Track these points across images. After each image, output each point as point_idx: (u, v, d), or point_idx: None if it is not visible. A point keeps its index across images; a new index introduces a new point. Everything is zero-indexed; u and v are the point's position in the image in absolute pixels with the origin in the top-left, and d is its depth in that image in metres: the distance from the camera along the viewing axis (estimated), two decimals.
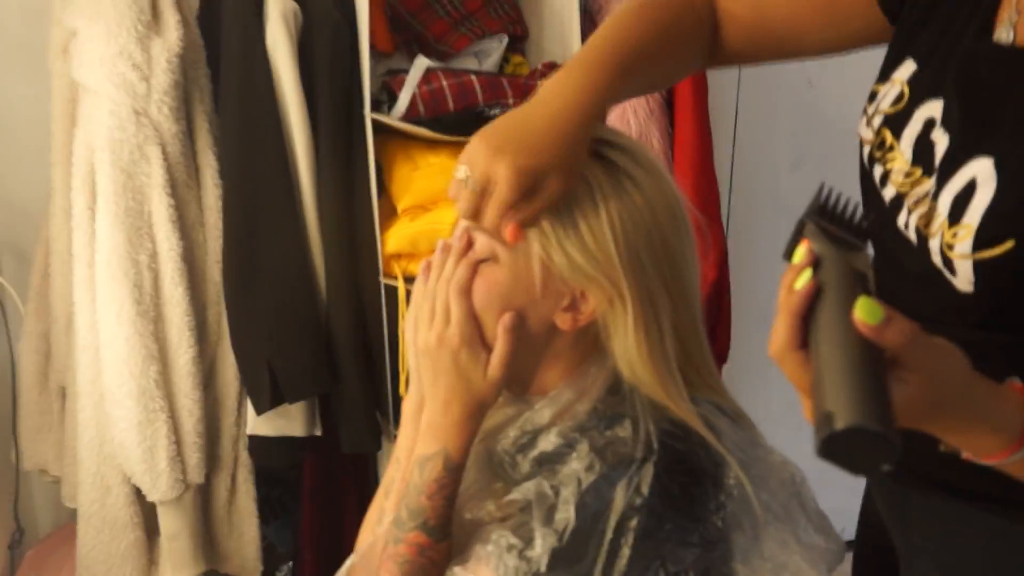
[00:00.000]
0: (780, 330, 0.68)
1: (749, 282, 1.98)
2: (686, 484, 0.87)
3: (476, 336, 0.90)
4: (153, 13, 1.52)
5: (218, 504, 1.71)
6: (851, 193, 0.78)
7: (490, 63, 1.82)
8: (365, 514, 1.86)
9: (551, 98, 0.87)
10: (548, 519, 0.85)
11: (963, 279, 0.81)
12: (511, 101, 1.68)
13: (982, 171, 0.81)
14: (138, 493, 1.61)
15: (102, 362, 1.54)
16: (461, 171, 0.84)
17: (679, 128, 1.77)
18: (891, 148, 0.93)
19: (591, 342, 0.94)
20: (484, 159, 0.82)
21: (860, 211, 0.73)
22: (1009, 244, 0.78)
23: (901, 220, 0.90)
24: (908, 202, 0.89)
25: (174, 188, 1.56)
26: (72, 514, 1.71)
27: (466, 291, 0.90)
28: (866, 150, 0.97)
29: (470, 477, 0.95)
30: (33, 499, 2.05)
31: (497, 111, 1.68)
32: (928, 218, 0.85)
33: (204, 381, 1.63)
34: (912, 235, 0.88)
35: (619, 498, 0.84)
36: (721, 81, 2.07)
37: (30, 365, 1.76)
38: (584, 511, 0.85)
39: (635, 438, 0.88)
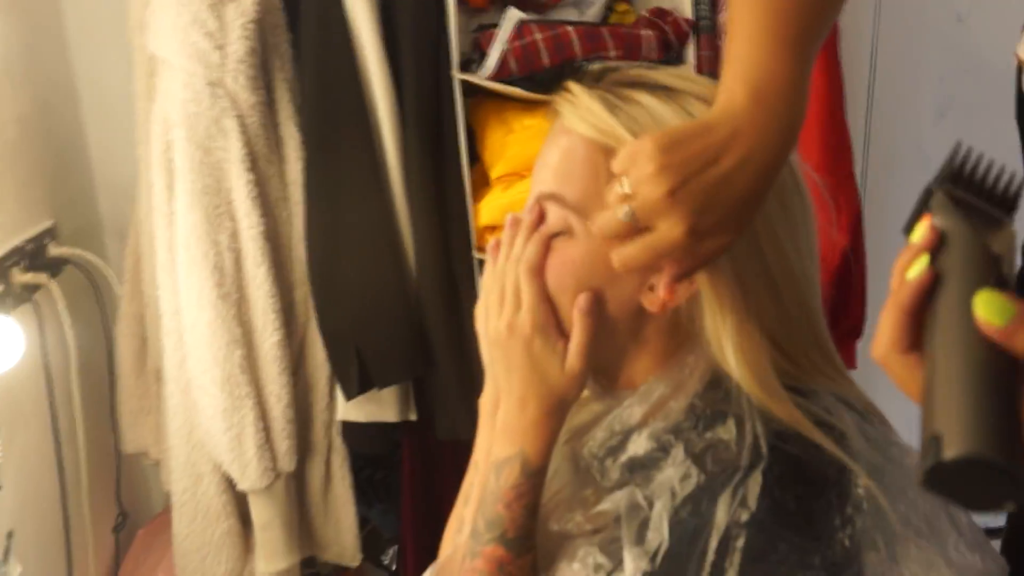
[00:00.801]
0: (886, 327, 0.55)
1: (888, 250, 1.75)
2: (804, 495, 0.73)
3: (551, 322, 0.79)
4: None
5: (313, 491, 1.64)
6: (1005, 150, 0.60)
7: (592, 13, 1.66)
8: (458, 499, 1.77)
9: (753, 155, 0.67)
10: (640, 537, 0.74)
11: None
12: (612, 53, 1.52)
13: None
14: (230, 481, 1.56)
15: (186, 347, 1.49)
16: (623, 188, 0.68)
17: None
18: None
19: (687, 326, 0.81)
20: (657, 199, 0.65)
21: (1007, 175, 0.56)
22: None
23: None
24: None
25: (254, 163, 1.47)
26: None
27: (538, 270, 0.78)
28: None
29: (556, 483, 0.84)
30: (141, 481, 2.05)
31: (597, 64, 1.52)
32: None
33: (293, 365, 1.55)
34: None
35: (721, 513, 0.72)
36: (855, 18, 1.85)
37: (127, 348, 1.73)
38: (680, 528, 0.72)
39: (740, 441, 0.75)
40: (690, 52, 1.57)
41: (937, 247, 0.55)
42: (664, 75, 0.79)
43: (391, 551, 2.00)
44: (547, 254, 0.78)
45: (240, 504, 1.60)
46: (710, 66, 1.54)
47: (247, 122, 1.46)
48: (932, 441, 0.49)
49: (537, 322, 0.78)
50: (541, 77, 1.53)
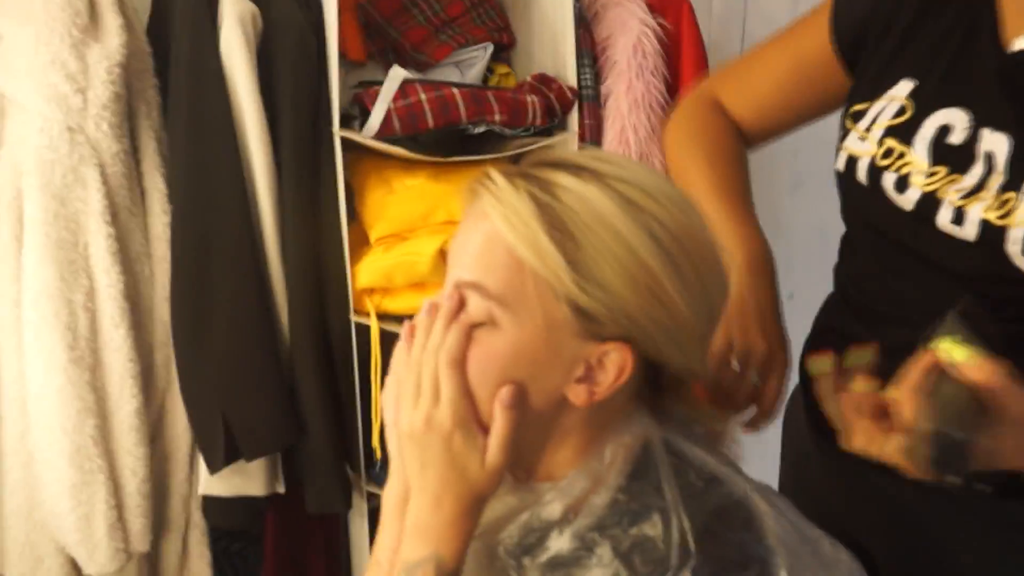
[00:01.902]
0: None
1: None
2: None
3: (471, 417, 0.75)
4: (91, 15, 1.34)
5: (167, 571, 1.51)
6: None
7: (473, 74, 1.65)
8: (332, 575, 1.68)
9: (756, 284, 1.02)
10: None
11: None
12: (498, 117, 1.51)
13: None
14: (75, 565, 1.41)
15: (30, 417, 1.35)
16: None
17: None
18: (901, 155, 0.98)
19: (608, 415, 0.79)
20: (764, 347, 0.97)
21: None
22: None
23: (943, 217, 0.94)
24: (949, 198, 0.93)
25: (115, 216, 1.36)
26: None
27: (459, 363, 0.74)
28: (864, 162, 1.00)
29: None
30: None
31: (481, 128, 1.51)
32: (1007, 209, 0.90)
33: (151, 435, 1.43)
34: (970, 229, 0.91)
35: None
36: None
37: None
38: None
39: (667, 538, 0.73)
40: (574, 120, 1.58)
41: None
42: (583, 156, 0.77)
43: None
44: (469, 345, 0.75)
45: None
46: (593, 135, 1.56)
47: (108, 172, 1.35)
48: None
49: (458, 417, 0.74)
50: (425, 138, 1.50)
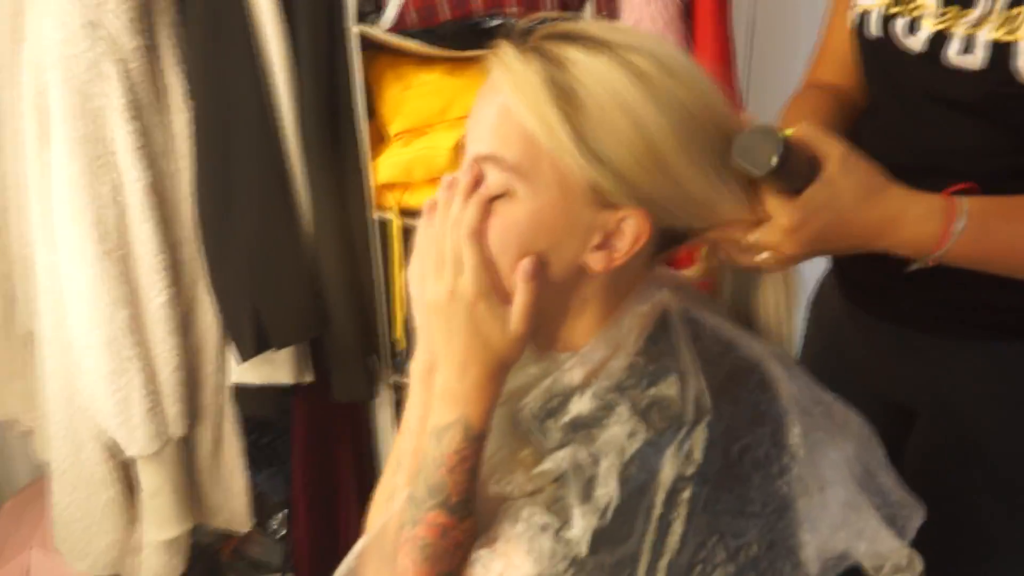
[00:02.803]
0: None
1: None
2: (745, 448, 0.76)
3: (494, 286, 0.77)
4: None
5: (202, 456, 1.59)
6: None
7: None
8: (360, 462, 1.75)
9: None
10: (587, 494, 0.75)
11: None
12: (513, 9, 1.50)
13: None
14: (115, 448, 1.49)
15: (66, 307, 1.40)
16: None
17: (699, 37, 1.60)
18: (911, 1, 0.98)
19: (627, 284, 0.82)
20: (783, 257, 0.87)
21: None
22: None
23: (953, 49, 0.95)
24: (959, 31, 0.94)
25: (137, 112, 1.39)
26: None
27: (479, 234, 0.76)
28: (874, 14, 1.02)
29: (492, 445, 0.84)
30: (8, 451, 1.93)
31: (497, 20, 1.50)
32: (1016, 24, 0.90)
33: (181, 326, 1.48)
34: (979, 54, 0.93)
35: (668, 467, 0.73)
36: None
37: None
38: (629, 484, 0.73)
39: (684, 396, 0.76)
40: (588, 10, 1.57)
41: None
42: (595, 28, 0.77)
43: (279, 516, 1.96)
44: (488, 217, 0.76)
45: (124, 471, 1.53)
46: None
47: (129, 67, 1.37)
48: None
49: (481, 286, 0.76)
50: (440, 31, 1.50)
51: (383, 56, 1.57)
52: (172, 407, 1.46)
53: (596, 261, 0.77)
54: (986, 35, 0.92)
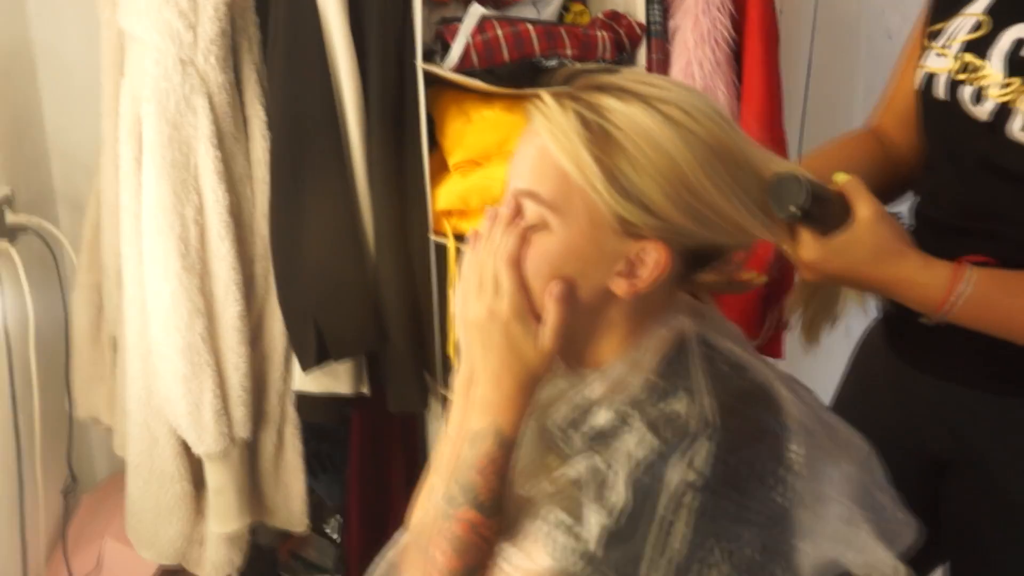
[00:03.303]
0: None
1: None
2: (745, 460, 0.83)
3: (527, 307, 0.87)
4: None
5: (265, 459, 1.70)
6: None
7: (549, 11, 1.74)
8: (412, 472, 1.85)
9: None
10: (600, 496, 0.83)
11: None
12: (569, 51, 1.60)
13: None
14: (185, 446, 1.61)
15: (148, 316, 1.53)
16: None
17: (747, 81, 1.68)
18: (978, 69, 1.04)
19: (650, 309, 0.90)
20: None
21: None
22: None
23: (1016, 124, 1.00)
24: (1022, 107, 0.99)
25: (221, 140, 1.52)
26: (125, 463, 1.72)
27: (515, 261, 0.86)
28: (943, 79, 1.07)
29: (522, 452, 0.93)
30: (89, 447, 2.08)
31: (554, 62, 1.60)
32: None
33: (251, 337, 1.61)
34: None
35: (673, 475, 0.81)
36: (793, 31, 1.96)
37: (83, 317, 1.77)
38: (637, 489, 0.82)
39: (691, 411, 0.84)
40: (641, 54, 1.66)
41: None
42: (629, 80, 0.86)
43: (334, 521, 2.07)
44: (525, 245, 0.86)
45: (193, 468, 1.65)
46: (660, 69, 1.64)
47: (216, 100, 1.51)
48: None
49: (516, 307, 0.86)
50: (501, 71, 1.61)
51: (447, 91, 1.68)
52: (239, 410, 1.58)
53: (619, 286, 0.86)
54: None
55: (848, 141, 1.24)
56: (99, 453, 2.09)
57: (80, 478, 1.95)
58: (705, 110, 0.85)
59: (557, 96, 0.85)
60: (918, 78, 1.11)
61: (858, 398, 1.33)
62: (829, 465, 0.87)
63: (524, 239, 0.86)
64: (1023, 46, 1.00)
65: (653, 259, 0.85)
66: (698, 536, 0.80)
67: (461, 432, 0.90)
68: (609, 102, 0.83)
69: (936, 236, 1.10)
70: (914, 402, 1.20)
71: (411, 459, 1.87)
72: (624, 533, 0.81)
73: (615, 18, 1.65)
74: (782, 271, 1.74)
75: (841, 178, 0.98)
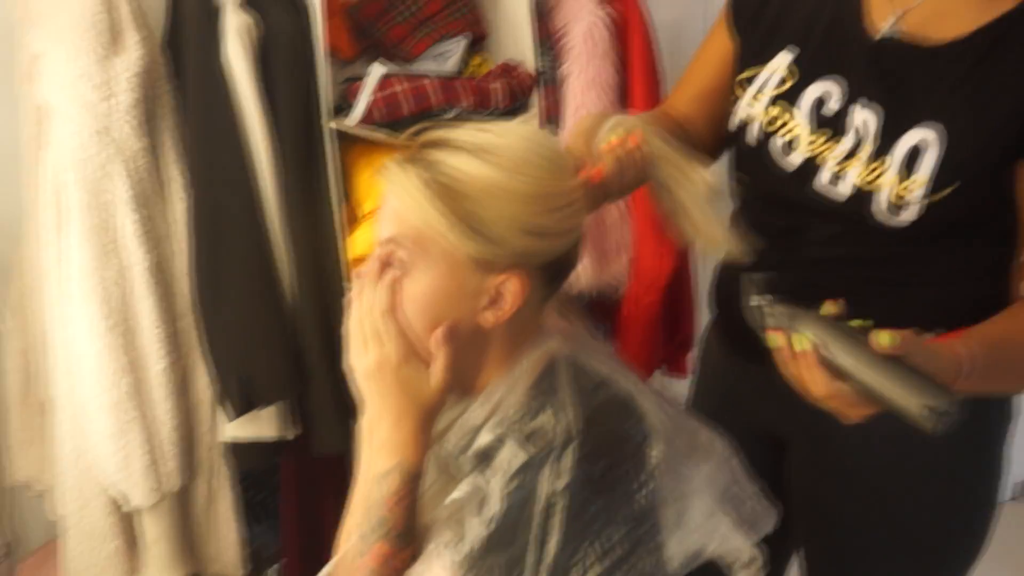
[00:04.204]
0: (819, 379, 0.90)
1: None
2: (608, 466, 0.91)
3: (412, 350, 0.95)
4: (113, 33, 1.56)
5: (197, 509, 1.74)
6: None
7: (450, 65, 1.85)
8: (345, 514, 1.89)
9: None
10: (479, 510, 0.91)
11: (907, 217, 1.04)
12: (464, 103, 1.71)
13: (927, 137, 1.03)
14: (117, 503, 1.65)
15: (76, 377, 1.58)
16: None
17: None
18: (786, 123, 1.11)
19: (525, 329, 0.99)
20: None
21: (768, 282, 0.98)
22: (953, 186, 1.02)
23: (822, 179, 1.09)
24: (830, 163, 1.08)
25: (141, 203, 1.59)
26: None
27: (391, 310, 0.95)
28: (755, 127, 1.15)
29: (427, 482, 1.00)
30: (24, 513, 2.09)
31: (452, 113, 1.71)
32: (876, 175, 1.05)
33: (178, 390, 1.66)
34: (844, 190, 1.07)
35: (543, 484, 0.89)
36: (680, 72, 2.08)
37: (14, 382, 1.80)
38: (510, 499, 0.89)
39: (557, 425, 0.92)
40: (535, 101, 1.77)
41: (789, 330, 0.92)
42: (460, 133, 0.95)
43: (273, 569, 2.10)
44: (396, 295, 0.95)
45: (125, 525, 1.68)
46: (552, 113, 1.75)
47: (133, 166, 1.58)
48: (932, 409, 0.83)
49: (402, 353, 0.95)
50: (403, 123, 1.71)
51: (356, 146, 1.78)
52: (168, 463, 1.63)
53: (487, 319, 0.95)
54: (852, 178, 1.07)
55: (659, 117, 1.28)
56: (34, 519, 2.09)
57: (16, 545, 1.96)
58: (527, 157, 0.93)
59: (400, 161, 0.95)
60: (733, 122, 1.19)
61: (702, 392, 1.42)
62: (690, 465, 0.96)
63: (394, 289, 0.95)
64: (825, 102, 1.09)
65: (512, 289, 0.94)
66: (573, 539, 0.88)
67: (369, 475, 0.97)
68: (442, 156, 0.93)
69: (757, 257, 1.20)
70: (745, 387, 1.29)
71: (344, 500, 1.92)
72: (503, 539, 0.88)
73: (508, 68, 1.77)
74: (680, 293, 1.86)
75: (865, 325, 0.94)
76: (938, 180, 1.02)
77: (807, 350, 0.89)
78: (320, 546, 1.93)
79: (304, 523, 1.91)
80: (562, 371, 0.98)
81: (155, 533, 1.66)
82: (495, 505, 0.90)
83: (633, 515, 0.91)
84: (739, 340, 1.28)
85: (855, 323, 0.91)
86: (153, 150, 1.63)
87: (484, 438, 0.95)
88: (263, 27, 1.65)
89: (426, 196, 0.91)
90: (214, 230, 1.63)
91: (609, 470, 0.91)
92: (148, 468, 1.60)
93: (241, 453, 1.72)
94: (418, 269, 0.94)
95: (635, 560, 0.90)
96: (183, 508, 1.72)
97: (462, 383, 1.00)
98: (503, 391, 0.97)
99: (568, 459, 0.90)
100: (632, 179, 1.01)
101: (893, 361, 0.86)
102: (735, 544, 0.93)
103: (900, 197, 1.04)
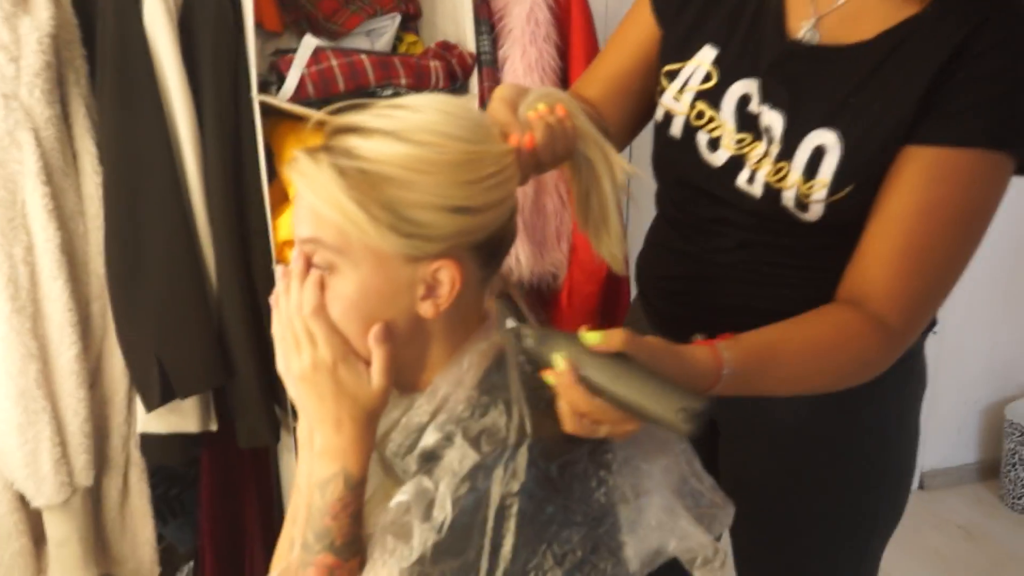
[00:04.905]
0: (577, 398, 0.85)
1: None
2: (564, 464, 0.87)
3: (347, 348, 0.89)
4: None
5: (109, 506, 1.64)
6: None
7: (383, 42, 1.79)
8: (266, 509, 1.82)
9: None
10: (427, 515, 0.85)
11: (812, 215, 1.06)
12: (403, 81, 1.65)
13: (827, 140, 1.04)
14: (23, 499, 1.53)
15: None
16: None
17: None
18: (711, 119, 1.11)
19: (467, 318, 0.93)
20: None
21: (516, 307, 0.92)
22: (850, 187, 1.04)
23: (742, 177, 1.10)
24: (750, 163, 1.08)
25: (50, 176, 1.47)
26: None
27: (320, 309, 0.88)
28: (679, 120, 1.14)
29: (371, 486, 0.95)
30: None
31: (389, 91, 1.65)
32: (781, 175, 1.06)
33: (90, 379, 1.55)
34: (757, 189, 1.08)
35: (496, 486, 0.84)
36: None
37: None
38: (461, 503, 0.84)
39: (508, 422, 0.88)
40: (474, 82, 1.72)
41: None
42: (372, 115, 0.87)
43: (186, 567, 2.00)
44: (323, 293, 0.88)
45: (32, 522, 1.57)
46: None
47: (42, 135, 1.46)
48: (679, 411, 0.82)
49: (337, 352, 0.88)
50: (337, 100, 1.63)
51: (284, 122, 1.69)
52: (79, 458, 1.52)
53: (426, 310, 0.88)
54: (762, 177, 1.08)
55: (576, 100, 1.22)
56: None
57: None
58: (446, 129, 0.86)
59: (311, 151, 0.86)
60: (659, 113, 1.18)
61: None
62: (647, 461, 0.92)
63: (321, 287, 0.88)
64: (749, 102, 1.09)
65: (447, 276, 0.87)
66: (528, 544, 0.83)
67: (311, 482, 0.91)
68: (356, 142, 0.85)
69: (679, 234, 1.21)
70: None
71: (265, 496, 1.84)
72: (455, 545, 0.83)
73: (447, 48, 1.71)
74: (619, 283, 1.85)
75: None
76: (837, 182, 1.03)
77: (563, 370, 0.85)
78: (238, 543, 1.85)
79: (222, 519, 1.82)
80: (512, 365, 0.92)
81: (63, 532, 1.54)
82: (445, 510, 0.84)
83: (592, 515, 0.87)
84: (665, 319, 1.27)
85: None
86: (64, 119, 1.52)
87: (430, 437, 0.90)
88: None
89: (341, 188, 0.83)
90: (130, 207, 1.52)
91: (565, 468, 0.87)
92: (58, 462, 1.49)
93: (159, 447, 1.62)
94: (344, 267, 0.87)
95: (595, 561, 0.86)
96: (95, 505, 1.62)
97: (405, 380, 0.94)
98: (449, 387, 0.92)
99: (522, 459, 0.85)
100: (562, 151, 0.95)
101: (643, 371, 0.85)
102: (696, 540, 0.90)
103: (806, 196, 1.05)
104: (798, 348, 1.01)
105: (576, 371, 0.85)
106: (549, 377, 0.87)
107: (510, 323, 0.90)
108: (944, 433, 2.88)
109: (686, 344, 0.96)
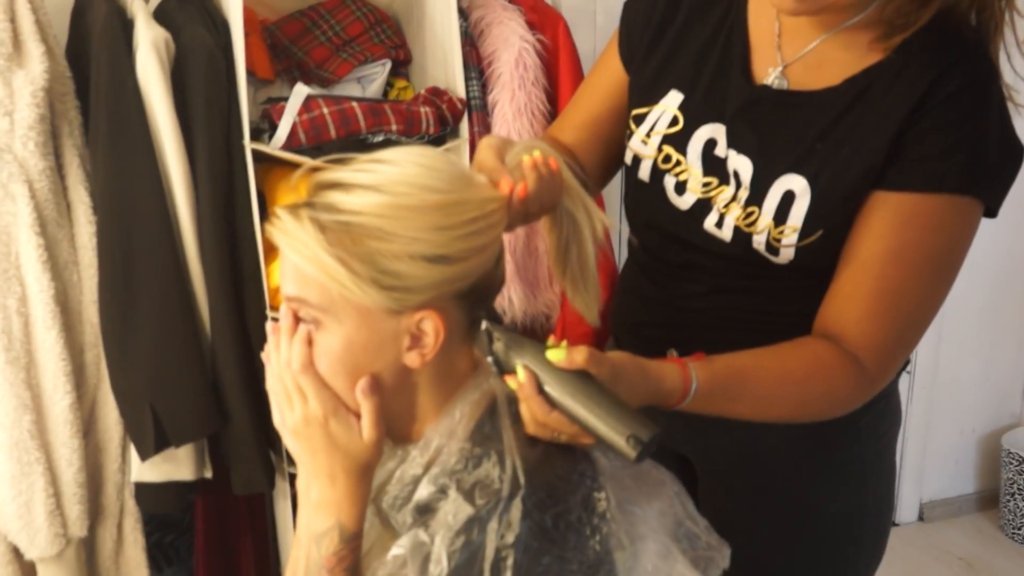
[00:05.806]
0: (536, 408, 0.87)
1: None
2: (558, 514, 0.87)
3: (338, 403, 0.90)
4: (15, 45, 1.46)
5: (104, 556, 1.63)
6: None
7: (373, 88, 1.81)
8: (261, 555, 1.81)
9: None
10: (423, 570, 0.85)
11: (783, 258, 1.08)
12: (394, 127, 1.66)
13: (796, 186, 1.05)
14: (17, 551, 1.52)
15: None
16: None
17: None
18: (678, 163, 1.13)
19: (455, 366, 0.94)
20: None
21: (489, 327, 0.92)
22: (819, 232, 1.05)
23: (710, 221, 1.10)
24: (717, 207, 1.09)
25: (43, 227, 1.48)
26: None
27: (308, 365, 0.89)
28: (647, 164, 1.15)
29: (367, 540, 0.95)
30: None
31: (380, 137, 1.66)
32: (752, 220, 1.07)
33: (84, 428, 1.55)
34: (727, 233, 1.09)
35: (491, 539, 0.84)
36: None
37: None
38: (456, 556, 0.84)
39: (502, 473, 0.88)
40: (464, 127, 1.74)
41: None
42: (353, 170, 0.88)
43: None
44: (311, 348, 0.89)
45: (26, 574, 1.56)
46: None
47: (36, 187, 1.47)
48: (630, 438, 0.84)
49: (327, 406, 0.89)
50: (329, 147, 1.65)
51: (277, 168, 1.71)
52: (74, 508, 1.52)
53: (412, 360, 0.89)
54: (732, 221, 1.09)
55: (554, 146, 1.23)
56: None
57: None
58: (426, 182, 0.87)
59: (292, 209, 0.87)
60: (628, 156, 1.19)
61: None
62: (640, 506, 0.92)
63: (309, 343, 0.89)
64: (715, 146, 1.10)
65: (431, 327, 0.88)
66: None
67: (308, 534, 0.91)
68: (337, 197, 0.86)
69: (648, 279, 1.22)
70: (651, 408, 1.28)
71: (260, 542, 1.84)
72: None
73: (437, 94, 1.73)
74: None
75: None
76: (807, 227, 1.05)
77: (523, 381, 0.87)
78: None
79: (217, 566, 1.81)
80: (504, 414, 0.93)
81: None
82: (441, 564, 0.84)
83: (588, 564, 0.87)
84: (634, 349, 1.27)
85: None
86: (57, 171, 1.53)
87: (424, 490, 0.90)
88: (178, 43, 1.57)
89: (322, 245, 0.84)
90: (124, 256, 1.53)
91: (559, 518, 0.87)
92: (51, 514, 1.48)
93: (153, 495, 1.61)
94: (329, 323, 0.87)
95: None
96: (89, 555, 1.61)
97: (397, 431, 0.94)
98: (441, 438, 0.92)
99: (516, 510, 0.85)
100: (548, 203, 0.96)
101: (602, 392, 0.85)
102: None
103: (776, 240, 1.06)
104: (769, 376, 1.02)
105: (535, 384, 0.86)
106: (511, 383, 0.89)
107: (484, 324, 0.91)
108: (942, 464, 2.88)
109: (658, 359, 0.97)
